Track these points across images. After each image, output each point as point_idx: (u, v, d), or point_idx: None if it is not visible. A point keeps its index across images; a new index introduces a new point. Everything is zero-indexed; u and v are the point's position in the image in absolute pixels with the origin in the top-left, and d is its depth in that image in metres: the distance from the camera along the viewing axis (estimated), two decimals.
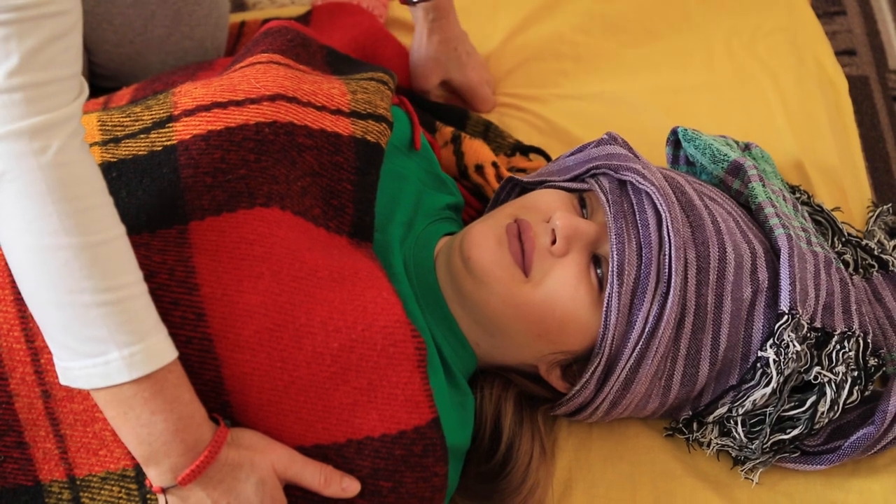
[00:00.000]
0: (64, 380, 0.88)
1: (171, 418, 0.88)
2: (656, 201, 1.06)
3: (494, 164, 1.29)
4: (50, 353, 0.92)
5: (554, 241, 1.04)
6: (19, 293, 0.93)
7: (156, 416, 0.87)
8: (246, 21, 1.48)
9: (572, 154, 1.18)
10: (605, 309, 1.04)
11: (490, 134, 1.38)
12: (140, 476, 0.96)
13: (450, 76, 1.42)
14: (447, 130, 1.32)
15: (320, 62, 1.17)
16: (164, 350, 0.88)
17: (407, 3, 1.35)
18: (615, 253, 1.03)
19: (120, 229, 0.87)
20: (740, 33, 1.51)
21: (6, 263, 0.94)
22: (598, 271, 1.05)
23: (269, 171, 0.99)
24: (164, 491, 0.91)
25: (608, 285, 1.03)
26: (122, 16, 1.27)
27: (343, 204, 1.03)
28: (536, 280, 1.04)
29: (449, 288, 1.09)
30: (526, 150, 1.36)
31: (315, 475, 0.94)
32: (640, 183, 1.07)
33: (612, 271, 1.03)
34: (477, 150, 1.30)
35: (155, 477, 0.90)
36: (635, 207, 1.07)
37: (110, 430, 0.94)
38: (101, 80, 1.36)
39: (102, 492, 0.96)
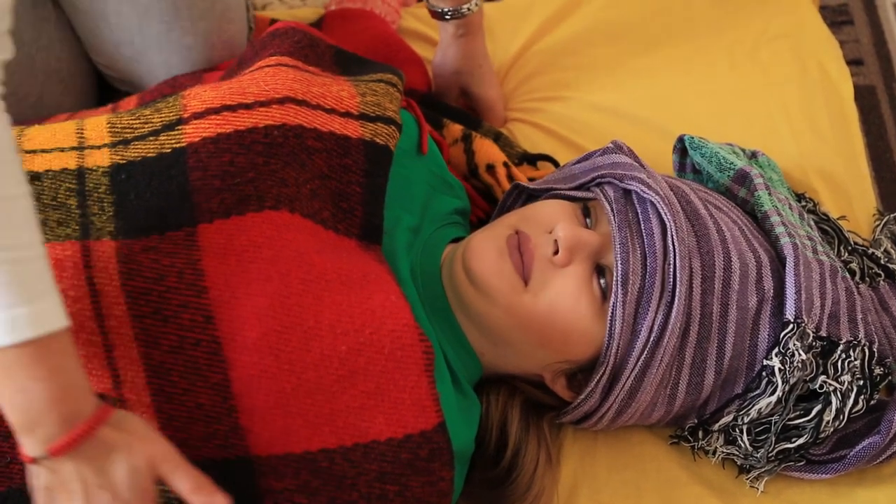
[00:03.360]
0: None
1: (51, 387, 0.84)
2: (661, 210, 1.06)
3: (506, 165, 1.28)
4: None
5: (556, 252, 1.05)
6: None
7: (35, 383, 0.83)
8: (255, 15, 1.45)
9: (578, 162, 1.18)
10: (609, 318, 1.03)
11: (500, 143, 1.38)
12: None
13: (470, 90, 1.40)
14: (456, 128, 1.31)
15: (329, 62, 1.17)
16: (51, 317, 0.84)
17: (438, 18, 1.33)
18: (619, 262, 1.03)
19: (22, 189, 0.84)
20: (743, 41, 1.50)
21: None
22: (602, 281, 1.05)
23: (278, 173, 0.99)
24: (34, 461, 0.87)
25: (612, 294, 1.03)
26: (117, 14, 1.25)
27: (352, 206, 1.03)
28: (536, 290, 1.04)
29: (453, 297, 1.09)
30: (533, 160, 1.35)
31: (185, 479, 0.88)
32: (644, 192, 1.07)
33: (617, 281, 1.03)
34: (488, 150, 1.29)
35: (28, 445, 0.86)
36: (640, 217, 1.07)
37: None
38: (116, 83, 1.35)
39: None
